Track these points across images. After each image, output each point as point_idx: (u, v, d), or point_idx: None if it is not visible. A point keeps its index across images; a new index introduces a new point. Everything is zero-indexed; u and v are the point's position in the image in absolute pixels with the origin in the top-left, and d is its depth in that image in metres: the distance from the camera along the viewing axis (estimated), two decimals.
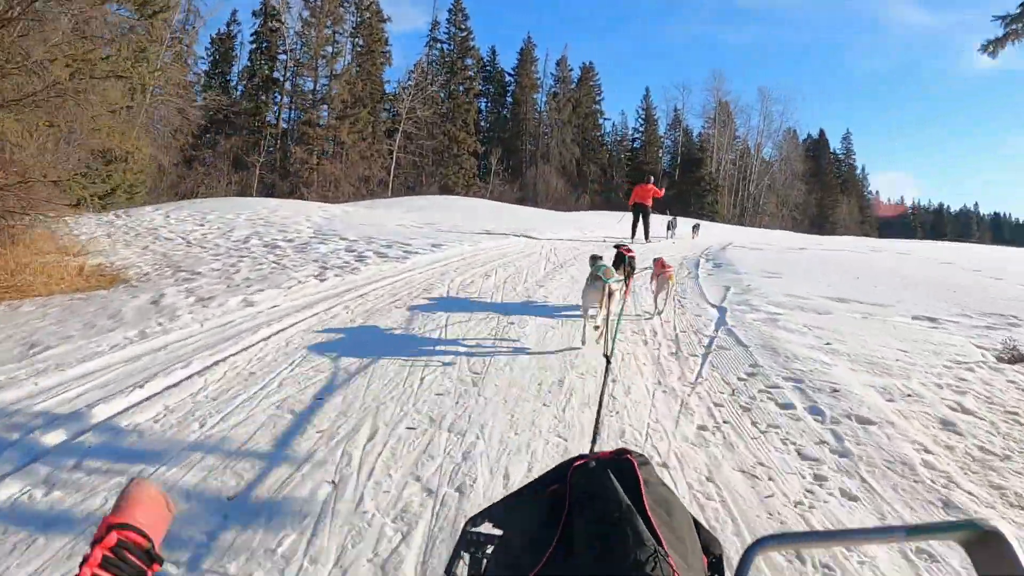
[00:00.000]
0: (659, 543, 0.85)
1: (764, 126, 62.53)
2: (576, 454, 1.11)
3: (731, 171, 60.98)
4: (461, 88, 53.58)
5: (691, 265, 11.57)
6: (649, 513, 0.91)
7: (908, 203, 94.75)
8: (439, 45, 54.55)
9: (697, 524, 1.04)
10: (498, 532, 1.13)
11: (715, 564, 1.06)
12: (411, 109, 47.91)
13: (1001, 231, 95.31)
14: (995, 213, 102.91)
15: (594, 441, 1.42)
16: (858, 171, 77.00)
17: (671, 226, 20.13)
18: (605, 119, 63.56)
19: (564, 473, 1.03)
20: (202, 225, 13.54)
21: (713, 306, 7.56)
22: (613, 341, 3.91)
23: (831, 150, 73.68)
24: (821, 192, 67.48)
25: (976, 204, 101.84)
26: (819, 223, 64.32)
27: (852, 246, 21.14)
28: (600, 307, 5.03)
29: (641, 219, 15.50)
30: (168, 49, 39.91)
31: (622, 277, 6.26)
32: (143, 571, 0.71)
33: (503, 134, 57.07)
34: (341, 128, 44.20)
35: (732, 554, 2.14)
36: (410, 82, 48.90)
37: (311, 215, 16.22)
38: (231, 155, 42.53)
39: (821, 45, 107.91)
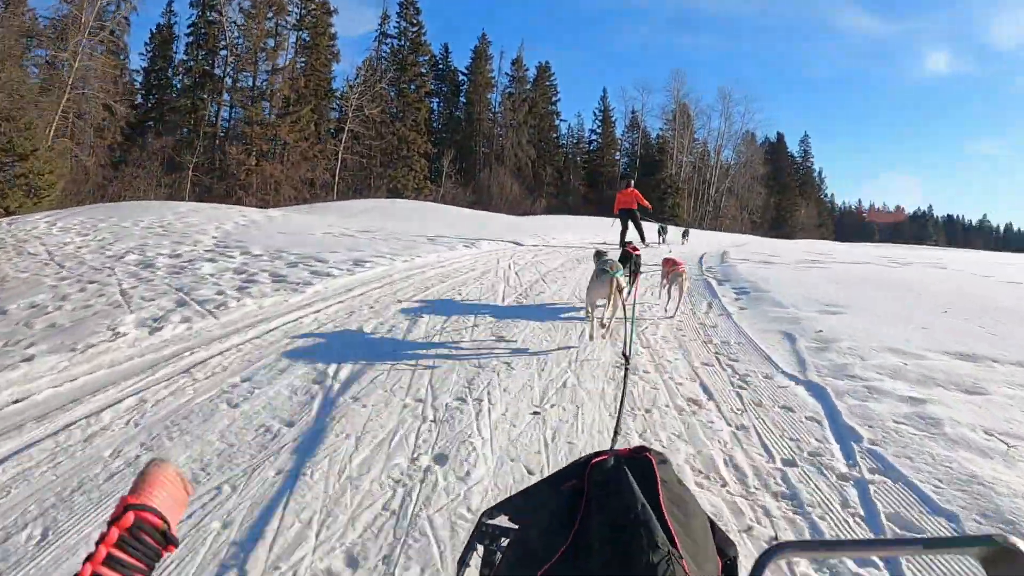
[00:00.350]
0: (673, 545, 0.84)
1: (725, 128, 61.90)
2: (595, 451, 1.10)
3: (691, 174, 60.16)
4: (412, 86, 51.50)
5: (702, 287, 9.20)
6: (665, 513, 0.89)
7: (865, 206, 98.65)
8: (389, 41, 52.27)
9: (713, 525, 1.02)
10: (513, 526, 1.12)
11: (729, 566, 1.02)
12: (358, 107, 45.19)
13: (955, 233, 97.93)
14: (948, 215, 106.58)
15: (614, 440, 1.43)
16: (815, 174, 76.84)
17: (662, 232, 19.84)
18: (561, 120, 62.57)
19: (582, 469, 1.01)
20: (86, 235, 11.58)
21: (794, 379, 4.65)
22: (630, 338, 2.98)
23: (789, 153, 73.40)
24: (780, 195, 66.89)
25: (931, 207, 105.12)
26: (778, 226, 64.08)
27: (863, 255, 18.11)
28: (608, 303, 4.99)
29: (632, 224, 15.20)
30: (92, 37, 37.08)
31: (627, 274, 5.80)
32: (158, 551, 0.71)
33: (456, 135, 55.23)
34: (282, 126, 41.39)
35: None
36: (358, 79, 46.16)
37: (226, 222, 14.02)
38: (163, 156, 39.27)
39: (778, 51, 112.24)
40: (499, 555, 1.17)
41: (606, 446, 1.44)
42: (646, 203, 15.42)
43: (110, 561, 0.67)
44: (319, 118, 44.85)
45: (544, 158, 56.87)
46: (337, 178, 44.78)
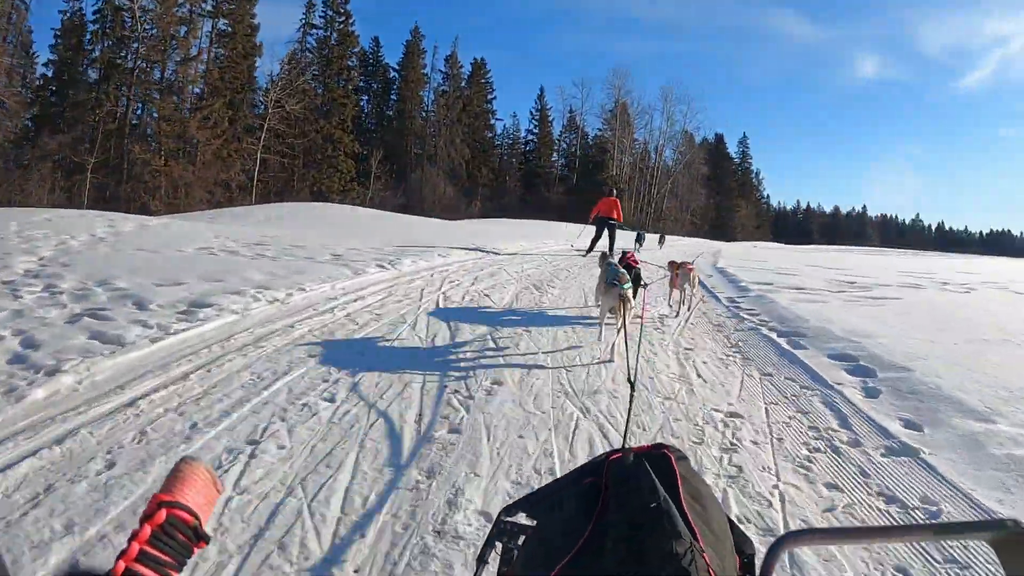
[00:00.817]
0: (695, 537, 0.84)
1: (667, 127, 60.97)
2: (614, 448, 1.18)
3: (632, 175, 59.39)
4: (339, 82, 48.24)
5: (768, 350, 5.88)
6: (685, 507, 0.90)
7: (803, 206, 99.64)
8: (315, 32, 48.95)
9: (731, 523, 1.01)
10: (531, 523, 1.11)
11: (747, 564, 1.01)
12: (279, 102, 41.82)
13: (889, 232, 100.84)
14: (882, 215, 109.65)
15: (625, 438, 1.48)
16: (753, 175, 77.09)
17: (639, 239, 19.82)
18: (497, 120, 61.09)
19: (600, 466, 1.01)
20: None
21: None
22: (636, 363, 3.65)
23: (729, 154, 73.19)
24: (719, 196, 66.37)
25: (864, 207, 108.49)
26: (719, 227, 63.54)
27: (885, 269, 16.13)
28: (617, 316, 4.95)
29: (607, 234, 14.96)
30: None
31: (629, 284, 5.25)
32: (189, 548, 0.73)
33: (386, 134, 52.43)
34: (191, 122, 37.86)
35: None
36: (280, 73, 43.14)
37: (78, 234, 11.16)
38: (60, 156, 35.36)
39: (716, 56, 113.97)
40: (517, 552, 1.15)
41: None
42: (621, 215, 15.17)
43: (143, 557, 0.68)
44: (235, 114, 41.48)
45: (479, 159, 55.14)
46: (256, 180, 41.43)
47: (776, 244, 52.98)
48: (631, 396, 1.81)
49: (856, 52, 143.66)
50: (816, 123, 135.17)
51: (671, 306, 7.20)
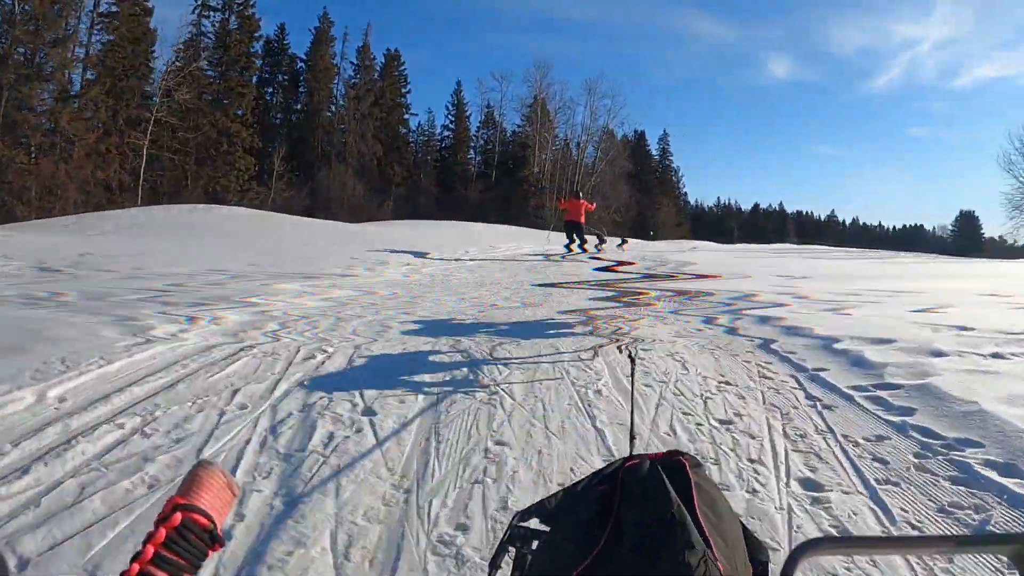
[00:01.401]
0: (709, 547, 0.85)
1: (590, 122, 59.18)
2: (627, 455, 1.16)
3: (554, 172, 58.02)
4: (238, 70, 44.19)
5: None
6: (700, 516, 0.91)
7: (723, 203, 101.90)
8: (212, 15, 44.73)
9: (745, 530, 1.04)
10: (545, 528, 1.13)
11: (762, 572, 1.03)
12: (168, 91, 37.81)
13: (805, 229, 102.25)
14: (798, 212, 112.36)
15: (632, 446, 1.52)
16: (673, 173, 77.09)
17: (602, 240, 19.32)
18: (411, 114, 58.37)
19: (615, 473, 1.02)
20: None
21: None
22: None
23: (649, 151, 72.58)
24: (641, 194, 65.26)
25: (781, 203, 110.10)
26: (641, 225, 62.48)
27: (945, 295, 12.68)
28: None
29: (575, 235, 15.22)
30: None
31: None
32: (204, 551, 0.74)
33: (293, 129, 48.52)
34: (63, 114, 33.48)
35: None
36: (171, 58, 39.09)
37: None
38: None
39: (635, 56, 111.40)
40: (530, 558, 1.15)
41: None
42: (592, 207, 15.81)
43: (158, 560, 0.69)
44: (118, 104, 37.11)
45: (392, 156, 52.48)
46: (141, 179, 37.35)
47: (718, 245, 51.71)
48: (632, 372, 2.00)
49: (769, 53, 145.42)
50: (732, 122, 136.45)
51: None
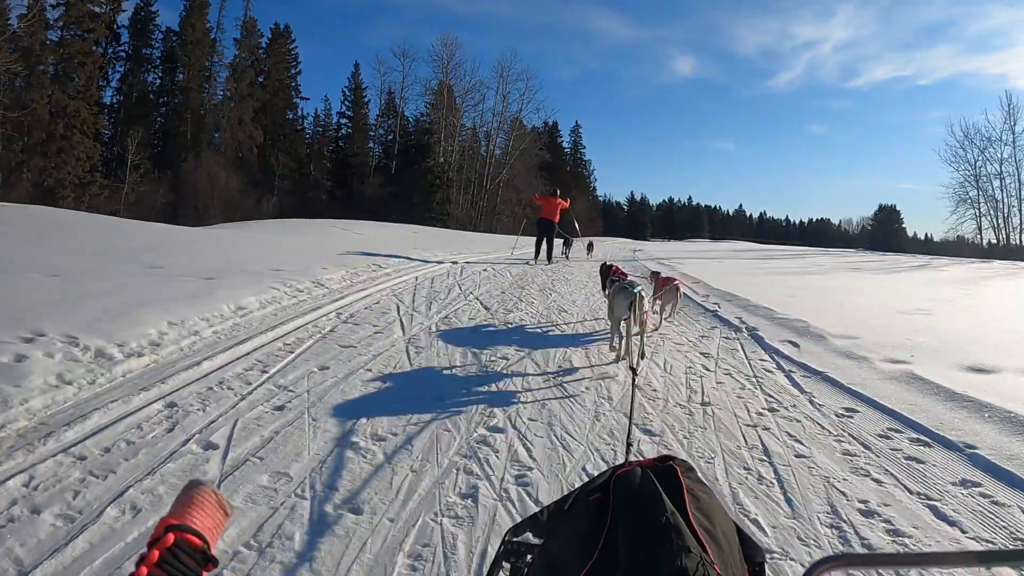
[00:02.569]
0: (704, 550, 0.84)
1: (502, 109, 53.55)
2: (619, 463, 1.16)
3: (461, 163, 51.19)
4: (80, 32, 36.28)
5: None
6: (693, 521, 0.90)
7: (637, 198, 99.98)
8: None
9: (740, 531, 1.04)
10: (538, 542, 1.14)
11: (757, 572, 1.04)
12: None
13: (715, 223, 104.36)
14: (707, 206, 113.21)
15: (627, 452, 1.57)
16: (585, 167, 74.05)
17: (567, 244, 18.67)
18: (302, 98, 50.74)
19: (607, 481, 1.02)
20: None
21: None
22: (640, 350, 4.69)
23: (562, 143, 68.54)
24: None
25: (690, 198, 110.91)
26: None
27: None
28: (632, 319, 5.17)
29: (546, 239, 14.90)
30: None
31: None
32: (198, 572, 0.73)
33: (155, 110, 40.91)
34: None
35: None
36: None
37: None
38: None
39: (532, 51, 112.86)
40: (526, 572, 1.15)
41: None
42: (567, 204, 15.17)
43: None
44: None
45: (278, 144, 45.17)
46: None
47: (662, 244, 47.21)
48: (632, 381, 2.04)
49: (674, 51, 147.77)
50: (638, 119, 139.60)
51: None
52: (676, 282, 6.89)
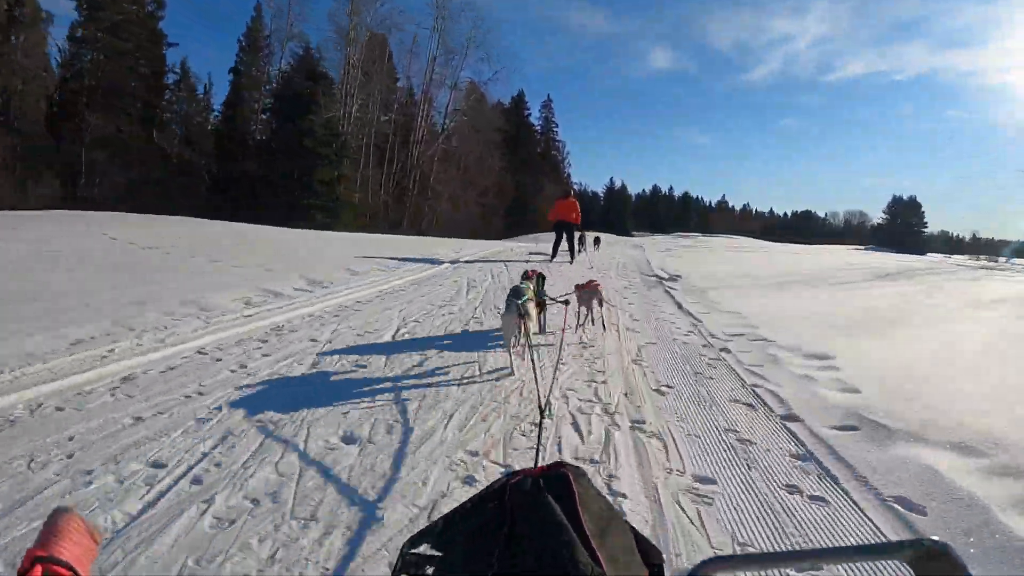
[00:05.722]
0: (596, 561, 0.83)
1: (438, 51, 39.47)
2: (514, 469, 1.17)
3: (378, 128, 36.88)
4: None
5: None
6: (586, 529, 0.88)
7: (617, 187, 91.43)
8: None
9: (636, 534, 1.03)
10: (437, 553, 1.09)
11: (657, 572, 1.01)
12: None
13: (688, 212, 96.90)
14: (695, 197, 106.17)
15: (536, 457, 1.63)
16: (559, 149, 63.18)
17: (581, 241, 17.40)
18: (170, 44, 34.75)
19: (502, 491, 1.00)
20: None
21: None
22: (549, 388, 3.91)
23: (529, 118, 56.58)
24: (519, 172, 47.82)
25: (671, 188, 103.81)
26: (517, 212, 48.21)
27: None
28: (519, 331, 4.81)
29: (565, 238, 14.85)
30: None
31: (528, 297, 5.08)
32: None
33: None
34: None
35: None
36: None
37: None
38: None
39: (507, 42, 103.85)
40: None
41: None
42: (579, 217, 14.89)
43: None
44: None
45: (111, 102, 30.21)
46: None
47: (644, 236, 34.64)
48: (540, 424, 1.88)
49: (650, 45, 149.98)
50: (614, 111, 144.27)
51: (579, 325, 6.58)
52: (595, 284, 6.27)
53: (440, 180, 39.51)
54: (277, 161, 29.50)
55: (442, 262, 12.50)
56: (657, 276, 12.27)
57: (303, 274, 8.97)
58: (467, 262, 13.02)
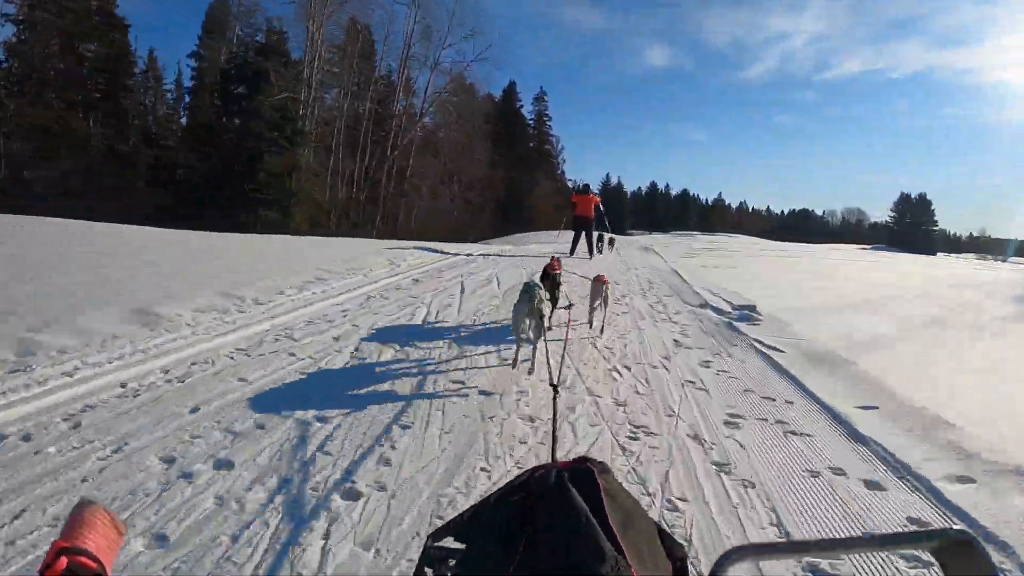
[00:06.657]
0: (621, 554, 0.82)
1: (413, 27, 34.72)
2: (538, 463, 1.13)
3: (350, 116, 32.06)
4: None
5: None
6: (611, 523, 0.88)
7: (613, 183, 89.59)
8: None
9: (660, 529, 1.02)
10: (460, 546, 1.07)
11: (680, 568, 1.00)
12: None
13: (687, 211, 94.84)
14: (694, 195, 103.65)
15: (553, 456, 1.48)
16: (553, 143, 58.57)
17: (600, 239, 17.13)
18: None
19: (526, 484, 1.00)
20: None
21: None
22: (560, 362, 3.99)
23: (521, 110, 54.03)
24: (510, 167, 44.38)
25: (667, 185, 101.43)
26: (511, 209, 44.15)
27: None
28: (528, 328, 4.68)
29: (584, 234, 14.78)
30: None
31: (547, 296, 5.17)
32: None
33: None
34: None
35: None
36: None
37: None
38: None
39: (501, 39, 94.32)
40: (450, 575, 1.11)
41: None
42: (598, 199, 15.00)
43: None
44: None
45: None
46: None
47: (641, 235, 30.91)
48: (554, 406, 1.85)
49: (646, 42, 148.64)
50: (609, 108, 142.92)
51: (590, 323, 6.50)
52: (604, 279, 6.12)
53: (418, 172, 35.01)
54: (219, 150, 24.51)
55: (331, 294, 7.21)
56: (714, 307, 7.76)
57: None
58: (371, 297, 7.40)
